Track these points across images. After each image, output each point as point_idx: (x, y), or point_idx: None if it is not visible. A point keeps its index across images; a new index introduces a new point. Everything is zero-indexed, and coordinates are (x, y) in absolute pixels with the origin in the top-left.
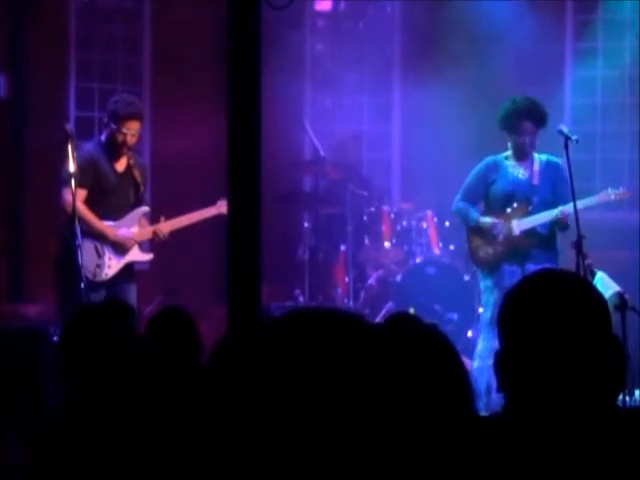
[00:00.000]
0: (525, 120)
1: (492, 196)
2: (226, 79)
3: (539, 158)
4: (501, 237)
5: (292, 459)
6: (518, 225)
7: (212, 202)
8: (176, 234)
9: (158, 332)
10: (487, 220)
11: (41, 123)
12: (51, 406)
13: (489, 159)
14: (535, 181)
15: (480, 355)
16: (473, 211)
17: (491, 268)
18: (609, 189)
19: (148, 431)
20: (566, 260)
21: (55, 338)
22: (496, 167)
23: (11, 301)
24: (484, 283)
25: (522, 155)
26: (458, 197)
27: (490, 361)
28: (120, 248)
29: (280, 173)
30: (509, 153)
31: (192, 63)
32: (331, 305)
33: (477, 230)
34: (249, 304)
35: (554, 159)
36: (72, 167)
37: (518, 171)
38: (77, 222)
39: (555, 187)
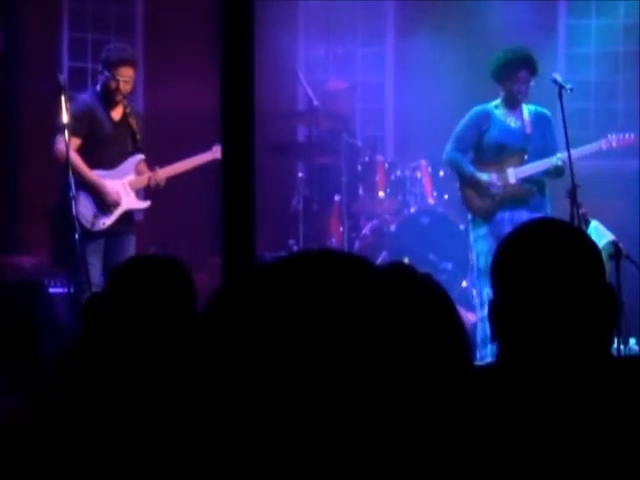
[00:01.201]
0: (521, 68)
1: (485, 145)
2: (219, 29)
3: (527, 108)
4: (497, 191)
5: (291, 406)
6: (515, 174)
7: (207, 149)
8: (170, 186)
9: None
10: (483, 176)
11: (34, 74)
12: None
13: (478, 108)
14: (528, 130)
15: (475, 304)
16: (467, 163)
17: (486, 216)
18: (612, 135)
19: (148, 385)
20: (560, 209)
21: (50, 290)
22: (487, 116)
23: (6, 253)
24: (477, 231)
25: (514, 104)
26: (449, 147)
27: (483, 311)
28: (108, 203)
29: (274, 123)
30: (498, 102)
31: (185, 14)
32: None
33: (471, 182)
34: (243, 254)
35: (542, 110)
36: (65, 117)
37: (510, 120)
38: (70, 173)
39: (545, 137)
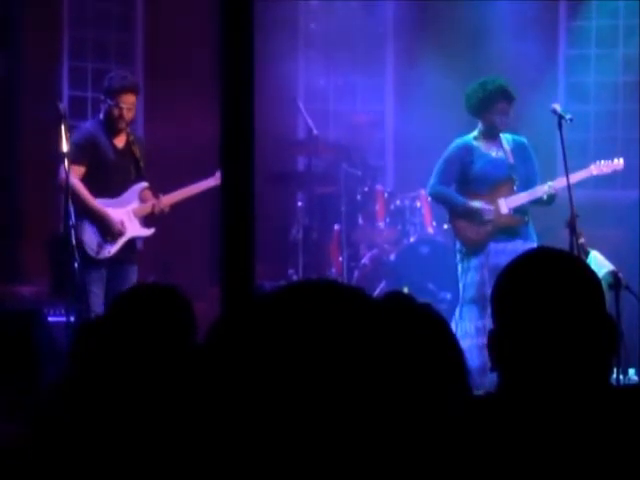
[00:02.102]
0: (501, 99)
1: (471, 177)
2: (219, 57)
3: (505, 137)
4: (490, 218)
5: (290, 436)
6: (506, 203)
7: (209, 176)
8: (169, 214)
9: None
10: (476, 204)
11: (34, 102)
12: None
13: (459, 142)
14: (511, 160)
15: (469, 334)
16: (456, 194)
17: (478, 247)
18: (600, 161)
19: (146, 413)
20: (559, 239)
21: (50, 318)
22: (468, 149)
23: (5, 282)
24: (468, 263)
25: (494, 135)
26: (433, 181)
27: (479, 340)
28: (112, 231)
29: (274, 153)
30: (476, 134)
31: (185, 41)
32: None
33: (463, 213)
34: (243, 284)
35: (519, 138)
36: (65, 146)
37: (492, 151)
38: (70, 201)
39: (526, 164)
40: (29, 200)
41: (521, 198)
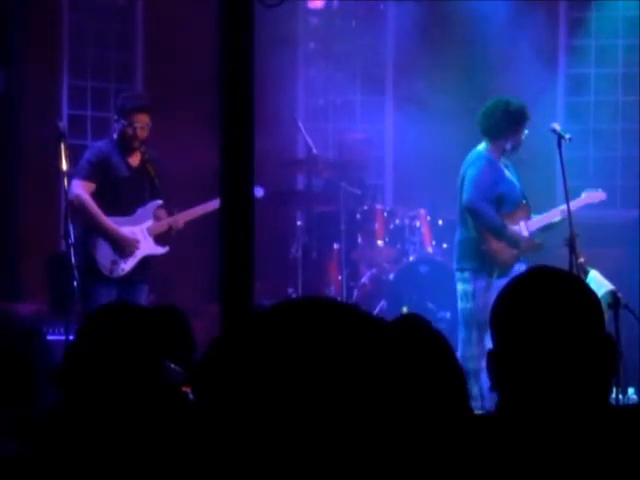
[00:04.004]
0: (526, 121)
1: (497, 197)
2: (219, 75)
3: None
4: (524, 244)
5: (290, 453)
6: (527, 226)
7: (207, 200)
8: (168, 232)
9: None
10: (516, 228)
11: (34, 120)
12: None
13: (487, 155)
14: (516, 181)
15: (476, 357)
16: (496, 215)
17: (506, 269)
18: (590, 190)
19: (143, 429)
20: (559, 258)
21: (49, 337)
22: (496, 167)
23: (4, 300)
24: (484, 283)
25: (502, 155)
26: (474, 195)
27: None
28: (124, 248)
29: (273, 171)
30: (488, 153)
31: (185, 60)
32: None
33: (501, 234)
34: (242, 302)
35: (507, 160)
36: (65, 165)
37: (504, 169)
38: (69, 220)
39: (521, 185)
40: (28, 218)
41: (540, 221)
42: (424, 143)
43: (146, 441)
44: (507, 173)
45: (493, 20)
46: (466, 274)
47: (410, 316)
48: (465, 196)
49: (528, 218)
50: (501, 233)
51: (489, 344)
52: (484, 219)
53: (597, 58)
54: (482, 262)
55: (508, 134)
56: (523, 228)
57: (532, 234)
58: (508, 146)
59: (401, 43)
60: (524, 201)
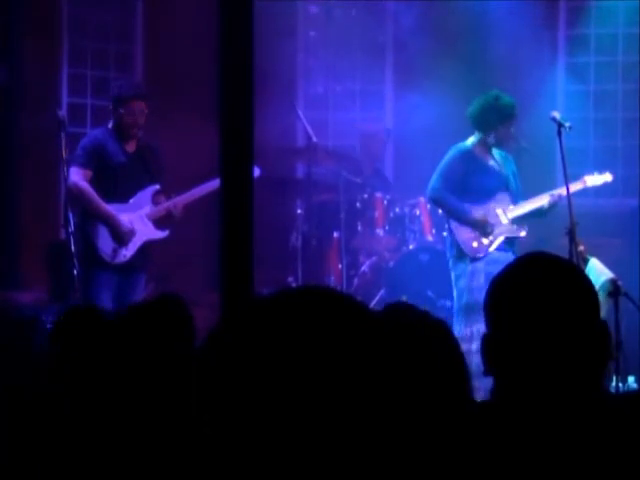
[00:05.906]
0: (515, 115)
1: (470, 186)
2: (218, 64)
3: (493, 149)
4: (493, 230)
5: (289, 441)
6: (507, 213)
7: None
8: (166, 220)
9: (154, 319)
10: (480, 215)
11: (34, 109)
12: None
13: (462, 148)
14: (503, 171)
15: (463, 339)
16: (460, 203)
17: (477, 256)
18: (594, 173)
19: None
20: (559, 246)
21: (48, 325)
22: (471, 157)
23: (4, 289)
24: (466, 267)
25: (492, 147)
26: (437, 185)
27: (474, 345)
28: (122, 236)
29: (273, 160)
30: (475, 142)
31: (184, 50)
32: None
33: (466, 222)
34: (242, 291)
35: (504, 152)
36: (65, 153)
37: (488, 160)
38: (69, 208)
39: (515, 177)
40: (28, 206)
41: (523, 208)
42: (424, 131)
43: (147, 434)
44: (492, 163)
45: (494, 9)
46: (450, 261)
47: (395, 305)
48: (428, 186)
49: (506, 207)
50: (463, 218)
51: (476, 327)
52: (444, 207)
53: (597, 47)
54: (458, 249)
55: (495, 127)
56: (502, 215)
57: (514, 220)
58: (491, 139)
59: (401, 32)
60: (505, 189)
